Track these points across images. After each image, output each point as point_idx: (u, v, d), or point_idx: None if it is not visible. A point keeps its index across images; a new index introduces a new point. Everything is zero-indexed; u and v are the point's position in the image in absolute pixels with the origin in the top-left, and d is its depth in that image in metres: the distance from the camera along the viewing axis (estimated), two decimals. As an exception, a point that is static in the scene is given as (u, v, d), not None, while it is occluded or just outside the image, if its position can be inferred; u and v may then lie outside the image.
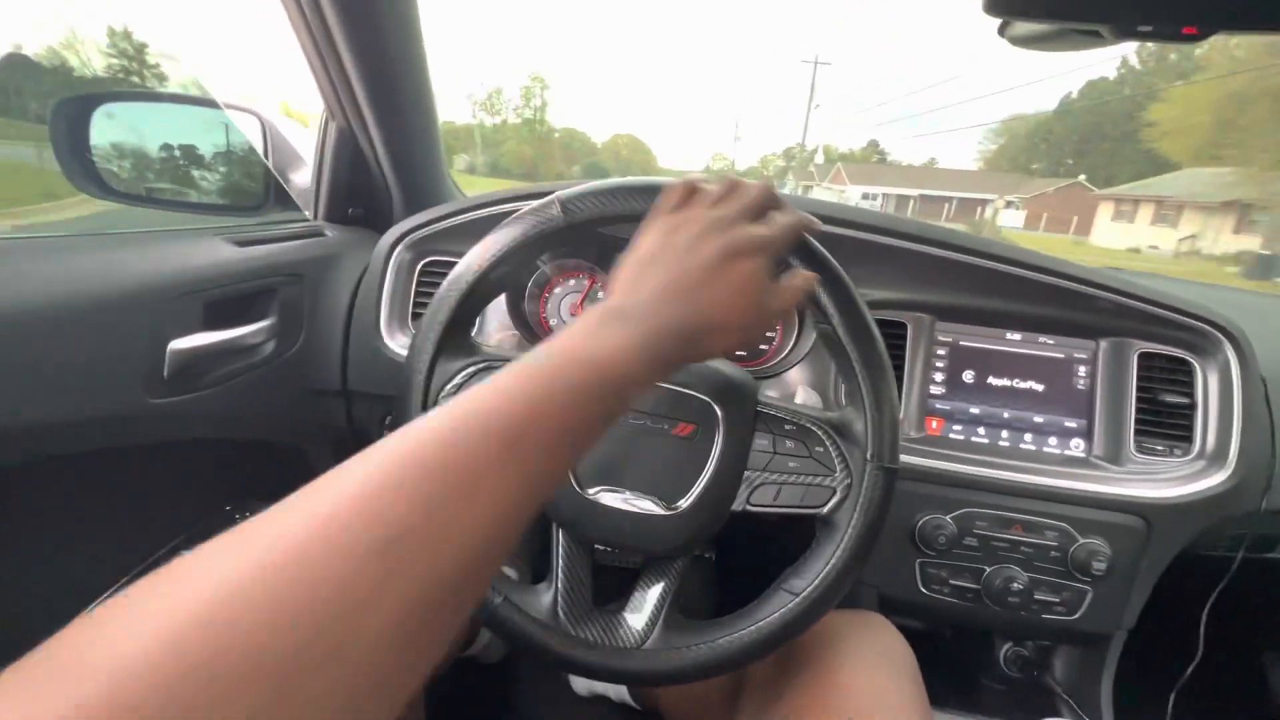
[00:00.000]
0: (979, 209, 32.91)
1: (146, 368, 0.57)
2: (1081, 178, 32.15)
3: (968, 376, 0.74)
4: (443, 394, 0.58)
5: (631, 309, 0.35)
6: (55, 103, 0.76)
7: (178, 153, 0.89)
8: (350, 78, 0.79)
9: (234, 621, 0.17)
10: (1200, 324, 0.68)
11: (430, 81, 0.89)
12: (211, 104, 0.90)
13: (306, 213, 0.91)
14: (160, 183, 0.87)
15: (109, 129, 0.80)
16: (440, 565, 0.22)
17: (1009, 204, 32.54)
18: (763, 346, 0.80)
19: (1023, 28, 0.56)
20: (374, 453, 0.24)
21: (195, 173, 0.93)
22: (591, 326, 0.33)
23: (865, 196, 29.74)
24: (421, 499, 0.22)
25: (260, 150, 0.89)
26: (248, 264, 0.69)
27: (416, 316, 0.82)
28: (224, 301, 0.65)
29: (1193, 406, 0.69)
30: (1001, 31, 0.57)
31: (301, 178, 0.93)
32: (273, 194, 0.89)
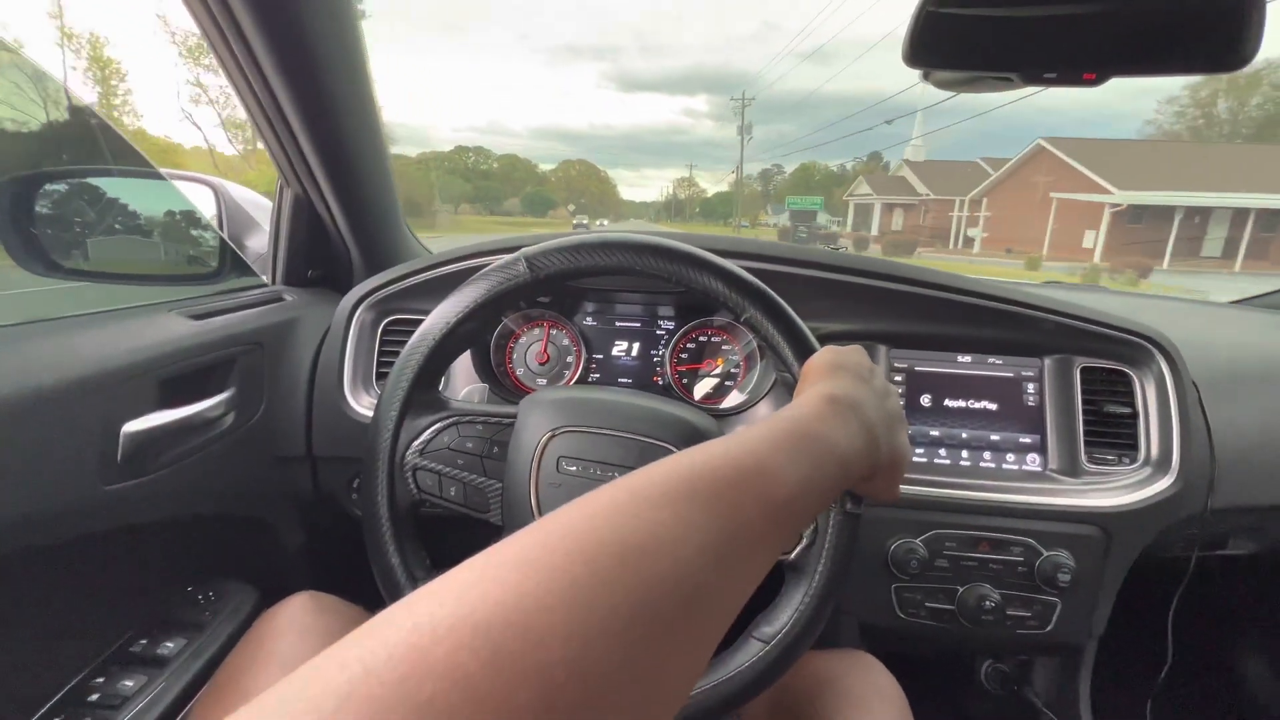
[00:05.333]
0: None
1: (99, 455, 0.55)
2: None
3: (925, 400, 0.76)
4: (410, 451, 0.57)
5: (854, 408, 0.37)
6: (-3, 183, 0.74)
7: (129, 226, 0.88)
8: (302, 145, 0.80)
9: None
10: (1132, 337, 0.72)
11: (384, 139, 0.91)
12: (158, 175, 0.89)
13: (264, 278, 0.90)
14: (113, 258, 0.85)
15: (56, 205, 0.79)
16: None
17: None
18: (728, 383, 0.81)
19: (942, 75, 0.61)
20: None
21: (148, 245, 0.91)
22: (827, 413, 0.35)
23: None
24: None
25: (214, 218, 0.88)
26: (204, 337, 0.68)
27: (381, 377, 0.82)
28: (180, 377, 0.64)
29: (1135, 416, 0.73)
30: (925, 77, 0.62)
31: (258, 243, 0.93)
32: (229, 261, 0.88)
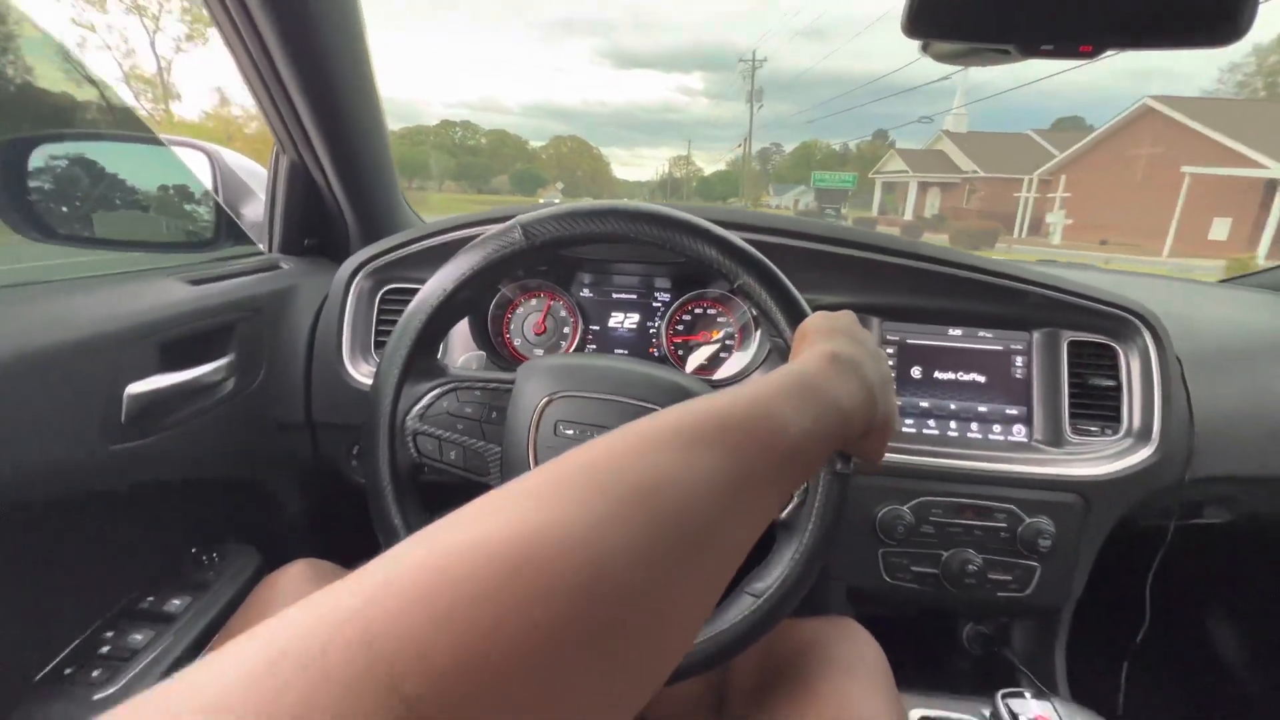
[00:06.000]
0: None
1: (103, 414, 0.56)
2: None
3: (916, 372, 0.78)
4: (410, 416, 0.59)
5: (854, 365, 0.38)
6: (-10, 146, 0.74)
7: (124, 192, 0.87)
8: (299, 112, 0.79)
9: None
10: (1119, 312, 0.73)
11: (381, 108, 0.90)
12: (155, 141, 0.88)
13: (261, 246, 0.90)
14: (108, 223, 0.85)
15: (49, 170, 0.79)
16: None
17: None
18: (723, 355, 0.83)
19: (941, 46, 0.61)
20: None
21: (144, 211, 0.91)
22: (828, 369, 0.36)
23: None
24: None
25: (210, 185, 0.88)
26: (203, 302, 0.68)
27: (379, 344, 0.82)
28: (180, 341, 0.65)
29: (1119, 388, 0.75)
30: (923, 49, 0.62)
31: (254, 211, 0.92)
32: (225, 229, 0.88)
